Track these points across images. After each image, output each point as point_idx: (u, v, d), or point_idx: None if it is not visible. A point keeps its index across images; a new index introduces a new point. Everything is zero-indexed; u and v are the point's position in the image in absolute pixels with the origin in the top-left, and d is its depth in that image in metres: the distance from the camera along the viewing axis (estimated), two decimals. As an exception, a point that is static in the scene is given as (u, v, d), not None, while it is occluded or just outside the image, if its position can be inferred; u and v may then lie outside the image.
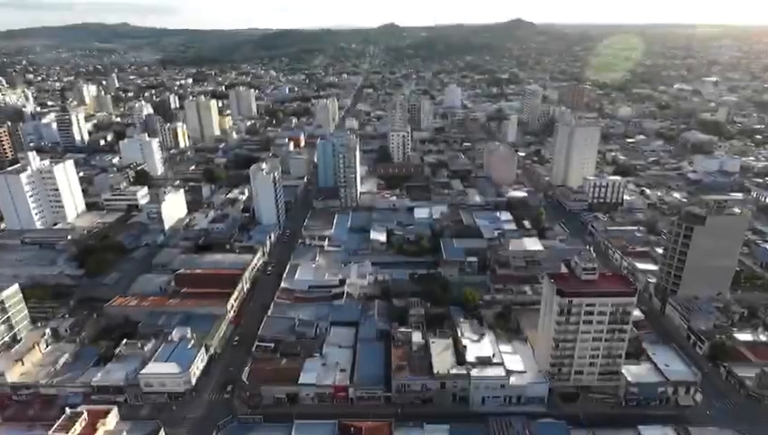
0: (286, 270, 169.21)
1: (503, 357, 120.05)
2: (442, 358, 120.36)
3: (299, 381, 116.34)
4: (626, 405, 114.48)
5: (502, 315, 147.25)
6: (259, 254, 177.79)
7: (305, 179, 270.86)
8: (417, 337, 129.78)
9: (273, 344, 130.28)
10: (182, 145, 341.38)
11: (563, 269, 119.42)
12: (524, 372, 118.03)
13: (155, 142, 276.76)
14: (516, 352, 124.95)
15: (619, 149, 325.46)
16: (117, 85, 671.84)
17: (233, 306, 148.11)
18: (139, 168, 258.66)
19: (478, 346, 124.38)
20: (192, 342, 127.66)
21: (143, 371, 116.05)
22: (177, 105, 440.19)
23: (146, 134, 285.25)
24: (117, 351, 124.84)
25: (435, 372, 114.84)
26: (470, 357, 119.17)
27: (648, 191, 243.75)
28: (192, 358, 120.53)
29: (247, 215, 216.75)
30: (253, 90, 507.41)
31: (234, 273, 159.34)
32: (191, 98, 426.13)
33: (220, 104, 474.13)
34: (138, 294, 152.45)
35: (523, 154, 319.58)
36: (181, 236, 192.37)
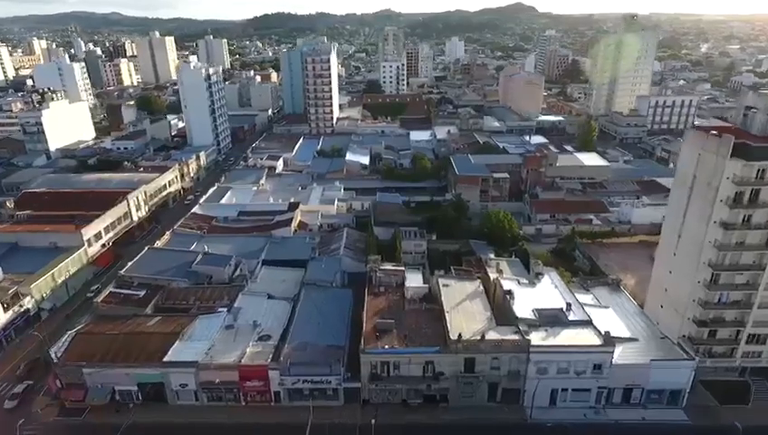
0: (207, 193, 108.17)
1: (585, 312, 59.30)
2: (465, 313, 59.65)
3: (165, 359, 55.39)
4: None
5: (558, 254, 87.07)
6: (172, 174, 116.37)
7: (270, 112, 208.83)
8: (414, 279, 69.27)
9: (143, 292, 69.33)
10: (127, 83, 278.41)
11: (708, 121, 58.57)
12: (635, 339, 57.53)
13: (77, 67, 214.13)
14: (606, 304, 64.57)
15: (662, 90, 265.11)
16: (84, 49, 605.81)
17: (99, 237, 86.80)
18: (51, 92, 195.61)
19: (534, 292, 63.78)
20: (-14, 287, 66.68)
21: None
22: (135, 53, 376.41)
23: (66, 56, 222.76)
24: None
25: (451, 337, 54.16)
26: (521, 311, 58.49)
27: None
28: (-42, 313, 59.28)
29: (178, 139, 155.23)
30: (226, 41, 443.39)
31: (111, 192, 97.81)
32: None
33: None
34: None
35: (545, 94, 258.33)
36: (66, 155, 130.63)
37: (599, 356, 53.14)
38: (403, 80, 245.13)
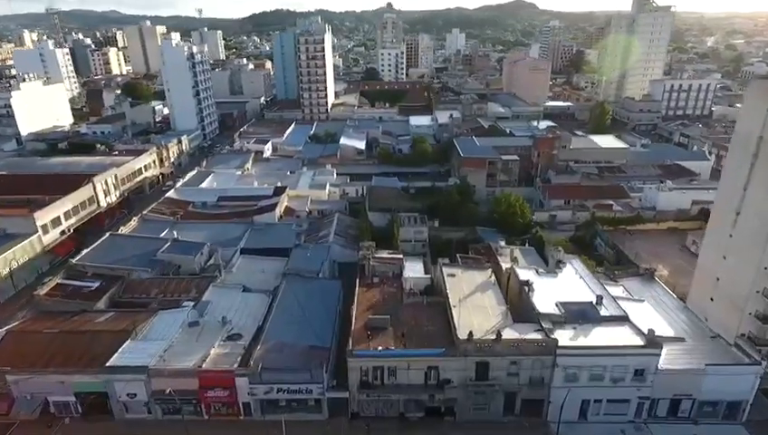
0: (186, 177, 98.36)
1: (620, 306, 49.37)
2: (475, 308, 49.74)
3: (109, 363, 45.37)
4: None
5: (577, 242, 77.18)
6: (149, 157, 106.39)
7: (262, 100, 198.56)
8: (414, 268, 59.57)
9: (96, 284, 59.43)
10: (116, 72, 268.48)
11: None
12: (681, 339, 47.65)
13: (59, 53, 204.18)
14: (640, 296, 54.76)
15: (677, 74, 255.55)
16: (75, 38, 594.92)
17: (58, 223, 76.82)
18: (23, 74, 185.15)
19: (556, 283, 53.85)
20: None
21: None
22: (126, 44, 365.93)
23: (48, 41, 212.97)
24: None
25: (459, 336, 44.14)
26: (543, 305, 48.54)
27: (741, 106, 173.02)
28: None
29: (161, 125, 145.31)
30: (221, 32, 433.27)
31: (76, 175, 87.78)
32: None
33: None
34: None
35: (550, 83, 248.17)
36: (36, 138, 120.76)
37: (641, 360, 43.20)
38: (402, 69, 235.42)
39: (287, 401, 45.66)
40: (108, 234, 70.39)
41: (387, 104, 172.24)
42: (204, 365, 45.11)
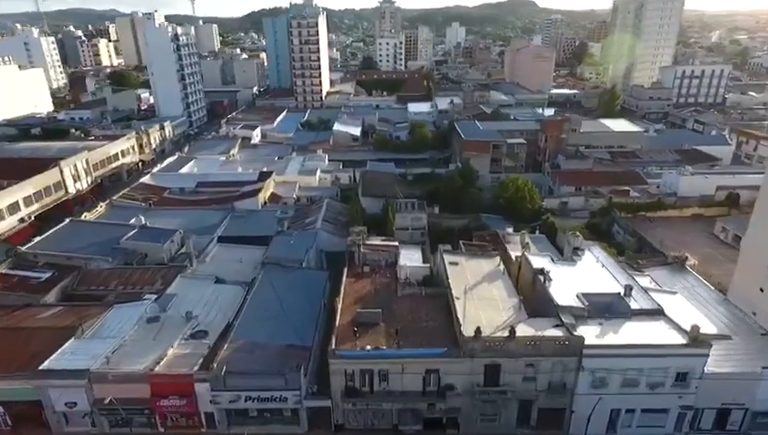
0: (164, 162, 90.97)
1: (652, 298, 42.03)
2: (482, 301, 42.29)
3: (42, 366, 37.86)
4: None
5: (593, 229, 69.80)
6: (127, 142, 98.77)
7: (255, 90, 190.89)
8: (411, 256, 52.19)
9: (47, 275, 52.00)
10: (106, 63, 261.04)
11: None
12: (727, 336, 40.20)
13: (44, 42, 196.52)
14: (672, 288, 47.38)
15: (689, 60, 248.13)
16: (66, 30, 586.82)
17: (16, 209, 69.37)
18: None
19: (574, 273, 46.46)
20: None
21: None
22: (118, 37, 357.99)
23: (34, 29, 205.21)
24: None
25: (464, 333, 36.67)
26: (561, 297, 41.08)
27: (754, 94, 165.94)
28: None
29: (146, 112, 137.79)
30: (216, 26, 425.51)
31: (43, 159, 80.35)
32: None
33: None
34: None
35: (554, 74, 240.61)
36: (8, 124, 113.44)
37: (685, 361, 35.86)
38: (401, 60, 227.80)
39: (258, 411, 38.32)
40: (68, 219, 62.88)
41: (384, 93, 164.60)
42: (158, 368, 37.62)
